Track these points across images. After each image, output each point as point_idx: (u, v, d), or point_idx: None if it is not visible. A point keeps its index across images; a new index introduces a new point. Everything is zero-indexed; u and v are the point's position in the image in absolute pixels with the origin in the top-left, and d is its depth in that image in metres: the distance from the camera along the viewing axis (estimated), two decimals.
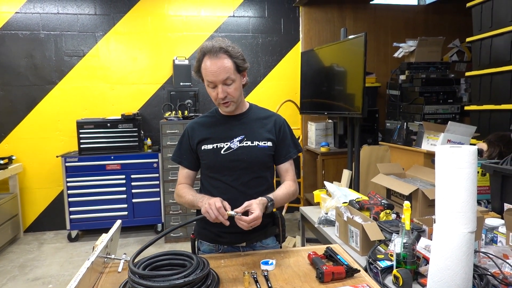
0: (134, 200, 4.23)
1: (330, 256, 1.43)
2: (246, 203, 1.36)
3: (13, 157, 4.29)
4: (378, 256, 1.56)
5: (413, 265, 1.42)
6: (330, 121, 4.64)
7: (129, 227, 4.37)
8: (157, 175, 4.24)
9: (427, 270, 1.47)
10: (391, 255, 1.54)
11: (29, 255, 3.88)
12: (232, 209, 1.36)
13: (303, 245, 2.78)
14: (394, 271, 1.40)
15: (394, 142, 3.18)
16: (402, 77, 4.05)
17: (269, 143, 1.56)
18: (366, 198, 2.33)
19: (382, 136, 4.57)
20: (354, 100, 3.11)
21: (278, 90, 4.96)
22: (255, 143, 1.54)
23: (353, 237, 1.83)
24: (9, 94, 4.38)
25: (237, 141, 1.54)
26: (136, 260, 1.23)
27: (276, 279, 1.29)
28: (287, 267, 1.39)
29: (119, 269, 1.38)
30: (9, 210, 4.15)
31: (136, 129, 4.24)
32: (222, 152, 1.53)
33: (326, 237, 2.13)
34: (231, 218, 1.36)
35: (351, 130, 3.33)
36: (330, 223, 2.20)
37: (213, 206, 1.32)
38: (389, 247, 1.65)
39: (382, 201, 2.14)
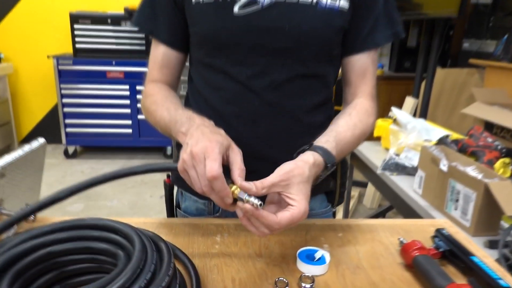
0: (140, 117, 3.54)
1: (451, 254, 0.66)
2: (276, 177, 0.56)
3: (1, 55, 3.61)
4: None
5: None
6: None
7: (134, 147, 3.76)
8: None
9: None
10: None
11: None
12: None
13: (348, 190, 2.04)
14: None
15: (497, 59, 2.23)
16: None
17: (343, 2, 0.72)
18: (460, 136, 1.51)
19: (450, 61, 3.59)
20: None
21: None
22: None
23: (457, 201, 1.04)
24: None
25: None
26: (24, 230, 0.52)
27: None
28: (354, 270, 0.64)
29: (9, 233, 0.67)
30: None
31: None
32: (235, 10, 0.70)
33: (394, 191, 1.36)
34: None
35: (427, 41, 2.38)
36: (402, 170, 1.41)
37: (200, 170, 0.55)
38: None
39: (496, 143, 1.31)
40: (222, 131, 0.62)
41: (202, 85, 0.79)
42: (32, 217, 0.69)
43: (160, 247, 0.52)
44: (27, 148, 0.81)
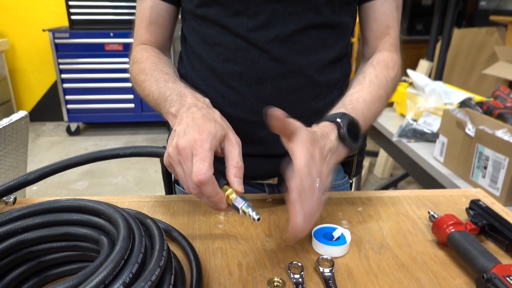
0: None
1: (492, 228, 0.57)
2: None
3: None
4: None
5: None
6: None
7: (137, 123, 3.68)
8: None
9: None
10: None
11: None
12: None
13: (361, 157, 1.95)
14: None
15: None
16: None
17: None
18: (483, 98, 1.40)
19: (465, 22, 3.41)
20: None
21: None
22: None
23: (486, 168, 0.95)
24: None
25: None
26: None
27: None
28: (379, 250, 0.55)
29: None
30: None
31: None
32: None
33: (412, 159, 1.27)
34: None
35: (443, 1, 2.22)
36: (420, 136, 1.31)
37: (187, 169, 0.46)
38: None
39: None
40: (217, 115, 0.51)
41: (196, 42, 0.68)
42: (11, 199, 0.61)
43: (152, 231, 0.44)
44: (5, 121, 0.72)
